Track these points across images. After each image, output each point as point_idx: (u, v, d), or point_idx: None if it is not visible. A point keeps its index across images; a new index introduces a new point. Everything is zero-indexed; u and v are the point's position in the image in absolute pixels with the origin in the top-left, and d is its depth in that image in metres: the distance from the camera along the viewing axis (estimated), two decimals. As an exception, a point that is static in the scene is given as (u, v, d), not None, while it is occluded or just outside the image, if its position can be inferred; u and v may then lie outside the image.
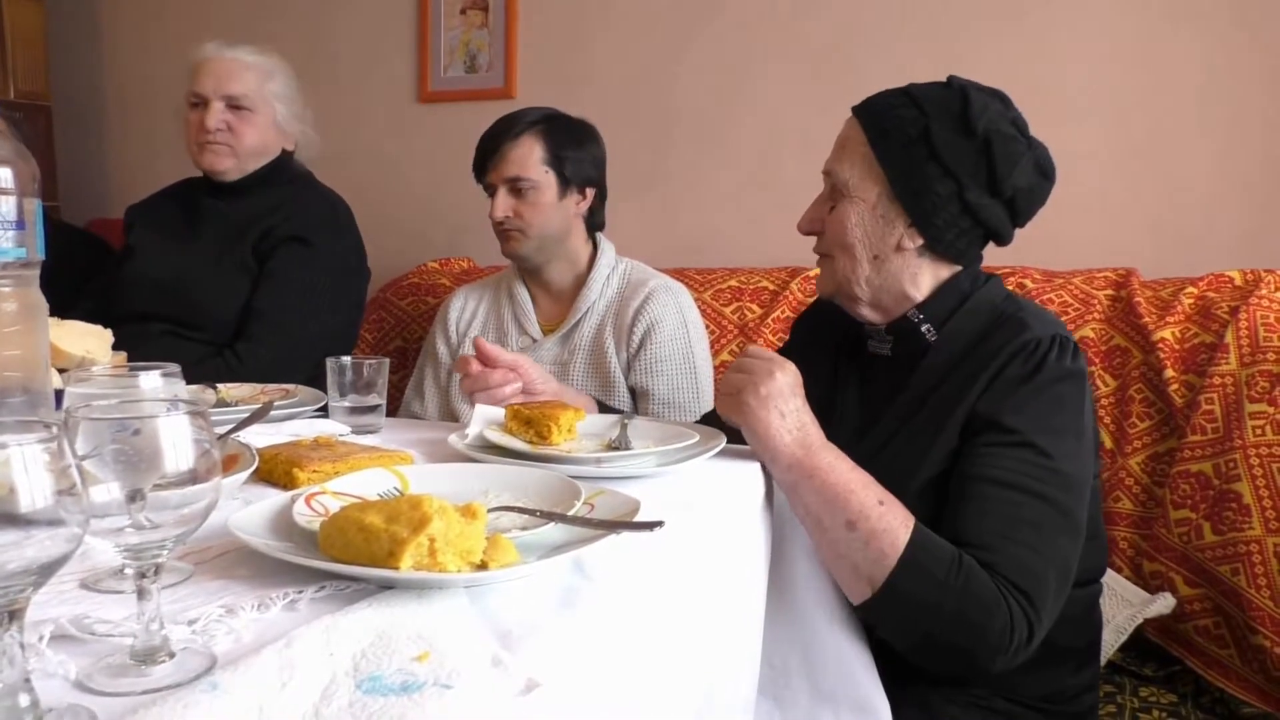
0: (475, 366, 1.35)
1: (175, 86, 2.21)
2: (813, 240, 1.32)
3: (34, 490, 0.50)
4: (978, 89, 1.23)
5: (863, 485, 1.08)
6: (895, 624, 1.09)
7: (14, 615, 0.51)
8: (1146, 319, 1.83)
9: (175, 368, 0.78)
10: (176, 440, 0.60)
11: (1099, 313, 1.90)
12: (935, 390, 1.22)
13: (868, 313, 1.30)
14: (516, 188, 1.89)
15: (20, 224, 1.18)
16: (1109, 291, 1.94)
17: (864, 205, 1.24)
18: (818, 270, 1.33)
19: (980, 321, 1.24)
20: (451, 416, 2.00)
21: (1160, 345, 1.79)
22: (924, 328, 1.25)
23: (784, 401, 1.12)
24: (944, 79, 1.26)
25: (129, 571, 0.60)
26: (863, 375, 1.35)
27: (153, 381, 0.74)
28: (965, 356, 1.21)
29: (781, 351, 1.50)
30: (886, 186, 1.23)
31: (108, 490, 0.58)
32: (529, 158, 1.88)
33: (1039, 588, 1.06)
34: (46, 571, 0.51)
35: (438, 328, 2.09)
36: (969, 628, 1.03)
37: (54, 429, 0.52)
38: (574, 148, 1.92)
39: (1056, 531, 1.10)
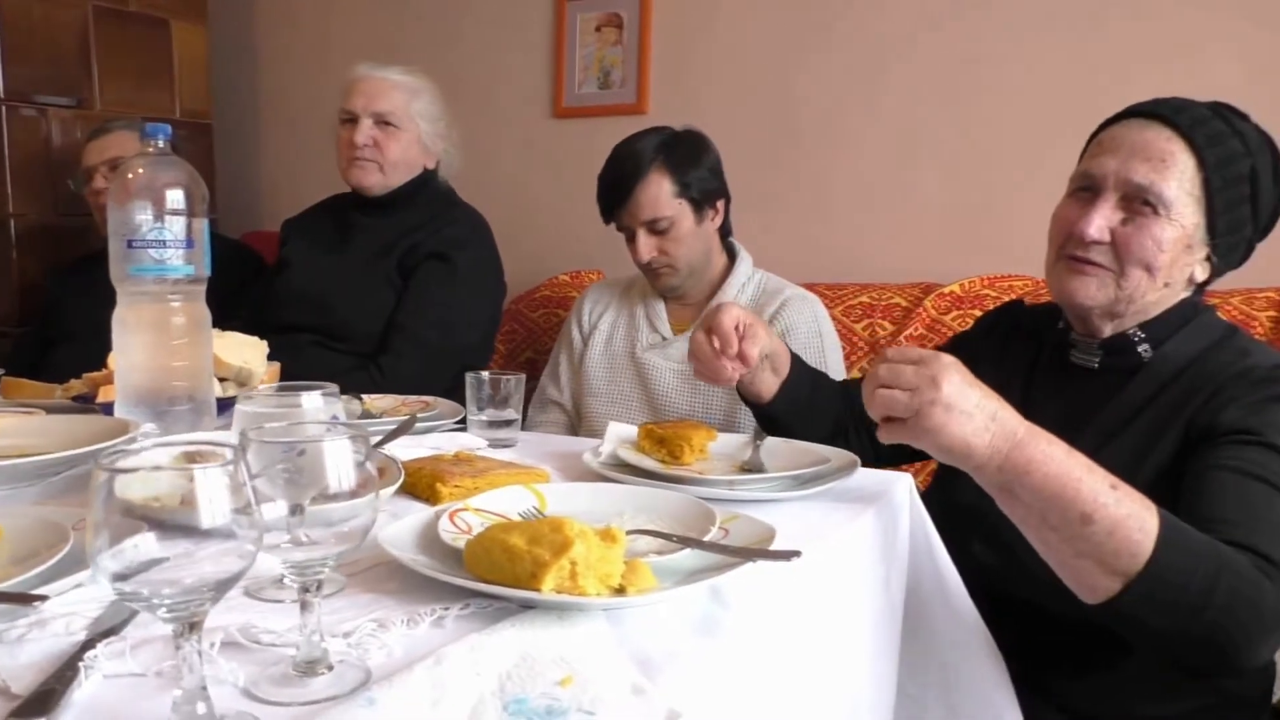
0: (707, 350, 1.27)
1: (324, 105, 2.32)
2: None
3: (214, 509, 0.54)
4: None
5: (1086, 470, 0.94)
6: (1152, 615, 0.93)
7: (194, 626, 0.55)
8: (1314, 342, 1.72)
9: (334, 388, 0.82)
10: (338, 460, 0.63)
11: (1260, 335, 1.79)
12: (1148, 405, 1.18)
13: (1105, 326, 1.24)
14: (655, 228, 1.87)
15: (190, 243, 1.26)
16: (1271, 313, 1.83)
17: (1180, 230, 1.16)
18: (1054, 277, 1.25)
19: (1198, 345, 1.20)
20: (582, 398, 2.03)
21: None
22: (1140, 347, 1.21)
23: (965, 401, 0.94)
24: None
25: (288, 581, 0.63)
26: (1061, 387, 1.28)
27: (314, 401, 0.78)
28: (1181, 374, 1.17)
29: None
30: (1205, 218, 1.17)
31: (274, 507, 0.62)
32: (660, 196, 1.85)
33: None
34: (223, 587, 0.55)
35: (573, 317, 2.13)
36: (1241, 604, 0.91)
37: (232, 453, 0.55)
38: (694, 166, 1.89)
39: None
